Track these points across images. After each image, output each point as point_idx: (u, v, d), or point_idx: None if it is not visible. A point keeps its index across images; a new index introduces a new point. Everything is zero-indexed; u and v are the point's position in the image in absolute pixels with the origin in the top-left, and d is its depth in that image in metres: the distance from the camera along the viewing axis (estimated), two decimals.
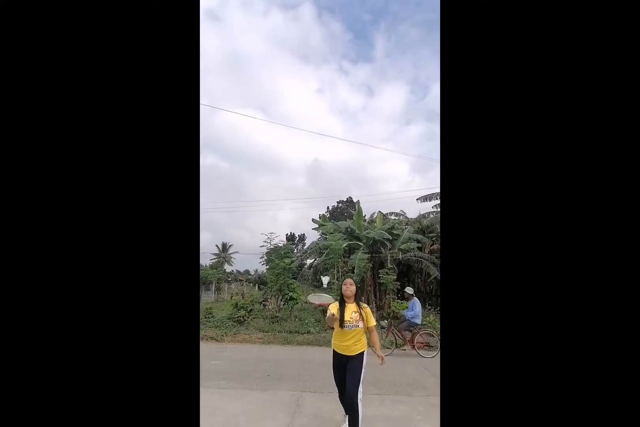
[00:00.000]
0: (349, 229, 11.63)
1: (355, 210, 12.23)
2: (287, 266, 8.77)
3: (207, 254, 31.31)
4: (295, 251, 22.25)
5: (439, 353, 5.37)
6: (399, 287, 8.80)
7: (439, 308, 8.76)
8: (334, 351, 2.69)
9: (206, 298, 17.47)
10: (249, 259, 68.92)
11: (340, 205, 31.92)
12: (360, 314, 2.56)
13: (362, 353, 2.58)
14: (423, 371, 4.89)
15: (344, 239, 10.56)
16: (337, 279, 9.15)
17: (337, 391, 2.69)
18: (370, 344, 2.65)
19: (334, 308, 2.62)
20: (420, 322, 6.16)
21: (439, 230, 11.24)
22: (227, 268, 29.11)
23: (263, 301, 9.10)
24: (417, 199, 12.65)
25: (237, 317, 7.82)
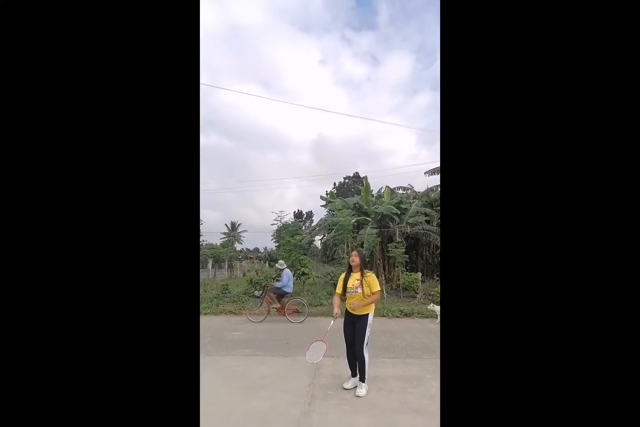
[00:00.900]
0: (357, 205, 11.72)
1: (362, 185, 12.24)
2: (297, 243, 9.01)
3: (217, 233, 32.08)
4: (303, 227, 22.55)
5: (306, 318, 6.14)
6: (407, 260, 9.01)
7: None
8: (346, 310, 3.11)
9: (220, 275, 18.13)
10: (258, 237, 70.23)
11: (347, 181, 31.77)
12: (361, 282, 2.95)
13: (367, 315, 2.97)
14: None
15: (353, 214, 10.68)
16: (346, 253, 9.38)
17: (346, 347, 3.07)
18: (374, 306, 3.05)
19: (341, 277, 3.14)
20: (290, 291, 6.77)
21: None
22: (237, 246, 29.81)
23: (277, 276, 9.45)
24: (424, 173, 12.58)
25: (252, 292, 8.19)
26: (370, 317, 2.99)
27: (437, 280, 9.13)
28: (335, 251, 10.69)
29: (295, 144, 74.84)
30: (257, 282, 8.49)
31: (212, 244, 22.93)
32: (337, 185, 31.30)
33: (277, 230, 11.47)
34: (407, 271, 9.01)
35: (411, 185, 14.55)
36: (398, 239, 9.63)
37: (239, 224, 34.32)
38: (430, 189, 12.78)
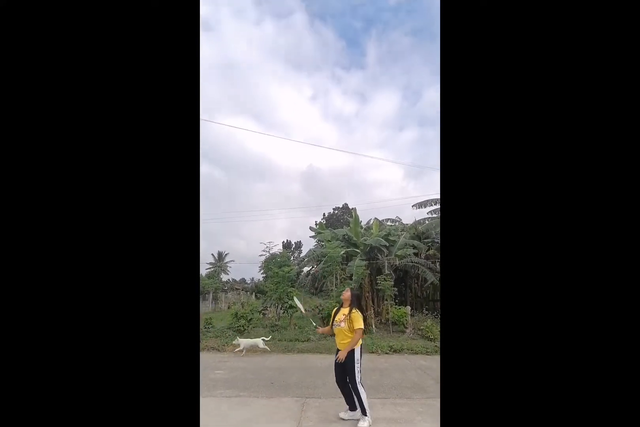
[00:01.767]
0: (346, 237, 11.79)
1: (351, 217, 12.41)
2: (286, 274, 8.88)
3: (202, 264, 31.26)
4: (292, 258, 22.27)
5: None
6: (396, 293, 8.93)
7: (436, 313, 8.92)
8: (337, 348, 3.25)
9: (204, 308, 17.37)
10: (245, 268, 68.63)
11: (336, 212, 32.12)
12: (347, 317, 3.08)
13: (352, 350, 3.05)
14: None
15: (342, 246, 10.71)
16: (335, 286, 9.26)
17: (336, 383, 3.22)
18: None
19: (333, 311, 3.36)
20: None
21: (434, 236, 11.46)
22: (224, 277, 29.02)
23: (262, 309, 9.17)
24: (412, 206, 12.91)
25: (237, 326, 7.87)
26: (357, 353, 3.08)
27: (426, 314, 9.00)
28: (324, 282, 10.54)
29: (285, 174, 76.38)
30: (242, 316, 8.20)
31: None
32: (326, 216, 31.57)
33: (265, 260, 11.32)
34: (396, 304, 8.89)
35: (399, 218, 14.83)
36: (387, 272, 9.61)
37: (226, 254, 33.70)
38: (418, 222, 13.04)
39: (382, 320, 9.04)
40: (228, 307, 16.12)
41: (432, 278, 9.90)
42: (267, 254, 10.29)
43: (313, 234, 13.78)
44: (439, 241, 10.95)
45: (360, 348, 3.11)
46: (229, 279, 30.37)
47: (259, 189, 68.41)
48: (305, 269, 13.43)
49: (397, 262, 10.20)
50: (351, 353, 3.05)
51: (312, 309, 9.55)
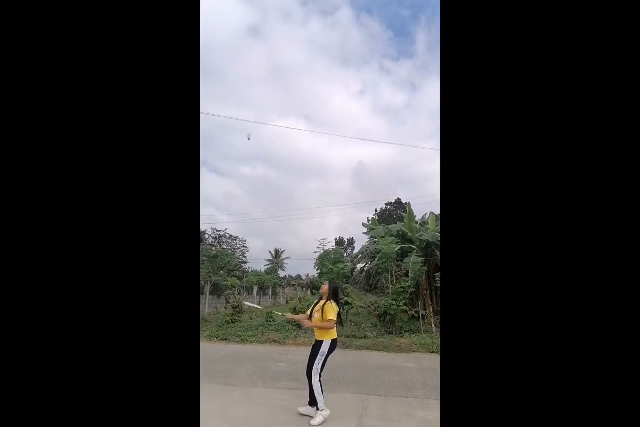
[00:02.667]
0: (400, 232, 11.48)
1: (405, 212, 12.05)
2: (340, 271, 8.95)
3: (261, 260, 32.92)
4: (344, 255, 22.37)
5: None
6: None
7: None
8: None
9: (265, 302, 18.36)
10: (298, 264, 70.64)
11: (388, 207, 31.43)
12: (321, 308, 3.19)
13: (321, 341, 3.16)
14: None
15: (396, 242, 10.45)
16: (391, 283, 9.10)
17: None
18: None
19: (314, 302, 3.50)
20: None
21: None
22: (280, 273, 30.23)
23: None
24: None
25: (297, 321, 8.17)
26: (325, 346, 3.15)
27: None
28: (378, 279, 10.41)
29: (336, 171, 76.62)
30: (300, 311, 8.48)
31: (256, 271, 23.50)
32: (378, 211, 31.05)
33: (319, 257, 11.53)
34: None
35: None
36: None
37: (282, 251, 35.02)
38: None
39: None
40: (286, 302, 16.79)
41: None
42: (321, 250, 10.47)
43: (365, 230, 13.66)
44: None
45: (332, 343, 3.16)
46: (285, 275, 31.56)
47: (311, 187, 69.71)
48: (359, 265, 13.39)
49: None
50: (319, 343, 3.15)
51: (368, 306, 9.50)
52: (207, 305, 12.25)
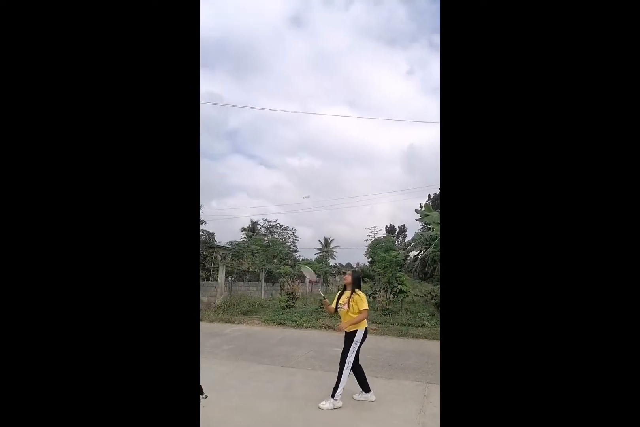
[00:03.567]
0: None
1: None
2: (393, 259, 8.74)
3: (311, 249, 33.57)
4: (396, 242, 21.86)
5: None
6: None
7: None
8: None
9: (316, 290, 18.76)
10: (349, 253, 70.73)
11: None
12: (349, 300, 3.14)
13: (354, 332, 3.10)
14: None
15: None
16: None
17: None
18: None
19: (337, 293, 3.46)
20: None
21: None
22: (331, 262, 30.60)
23: (372, 293, 9.28)
24: None
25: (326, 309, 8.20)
26: (359, 335, 3.11)
27: None
28: (434, 267, 9.98)
29: (384, 157, 74.46)
30: None
31: (307, 260, 24.05)
32: (432, 197, 29.63)
33: (370, 245, 11.37)
34: None
35: None
36: None
37: (331, 240, 35.35)
38: None
39: None
40: (337, 290, 16.96)
41: None
42: (372, 238, 10.30)
43: (418, 216, 13.11)
44: None
45: (365, 331, 3.14)
46: (335, 264, 31.91)
47: (360, 174, 68.73)
48: (412, 253, 12.97)
49: None
50: (352, 333, 3.09)
51: (425, 295, 9.19)
52: (263, 292, 12.85)
